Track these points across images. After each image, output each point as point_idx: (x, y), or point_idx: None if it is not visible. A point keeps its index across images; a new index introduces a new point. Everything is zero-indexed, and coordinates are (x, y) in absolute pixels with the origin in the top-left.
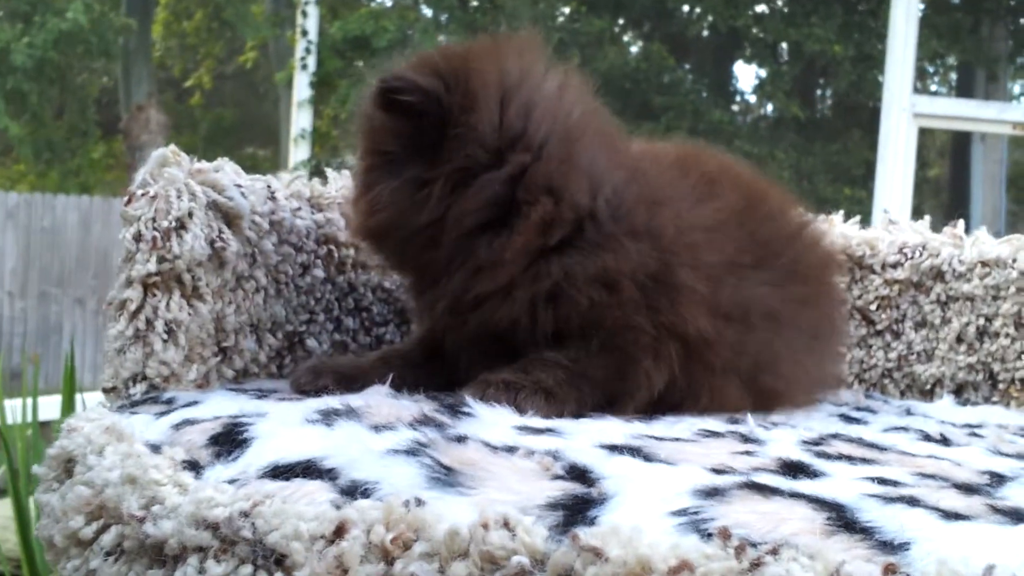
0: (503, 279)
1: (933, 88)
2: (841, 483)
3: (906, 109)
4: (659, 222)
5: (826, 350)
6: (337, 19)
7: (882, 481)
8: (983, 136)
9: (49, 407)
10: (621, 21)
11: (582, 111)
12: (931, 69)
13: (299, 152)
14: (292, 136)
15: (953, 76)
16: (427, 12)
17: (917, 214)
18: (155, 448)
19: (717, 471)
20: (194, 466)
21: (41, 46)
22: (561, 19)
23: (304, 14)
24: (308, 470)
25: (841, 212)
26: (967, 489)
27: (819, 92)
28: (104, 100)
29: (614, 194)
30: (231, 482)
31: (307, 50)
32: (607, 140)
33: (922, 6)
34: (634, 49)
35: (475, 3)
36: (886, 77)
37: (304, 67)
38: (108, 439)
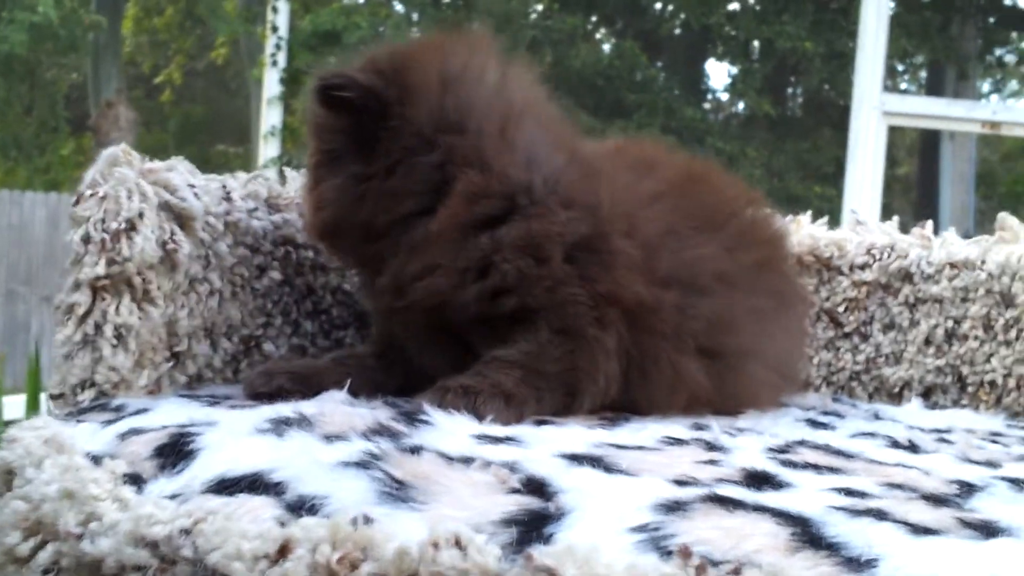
0: (433, 254)
1: (903, 86)
2: (807, 494)
3: (876, 107)
4: (593, 193)
5: (792, 316)
6: (309, 14)
7: (849, 492)
8: (952, 134)
9: (16, 406)
10: (594, 19)
11: (523, 99)
12: (901, 67)
13: (269, 149)
14: (262, 133)
15: (923, 74)
16: (399, 8)
17: (887, 212)
18: (97, 460)
19: (679, 482)
20: (136, 480)
21: (11, 40)
22: (534, 16)
23: (275, 10)
24: (254, 484)
25: (809, 212)
26: (936, 500)
27: (790, 90)
28: (73, 96)
29: (551, 172)
30: (174, 497)
31: (277, 46)
32: (548, 125)
33: (892, 4)
34: (607, 47)
35: (447, 0)
36: (856, 75)
37: (274, 63)
38: (48, 451)
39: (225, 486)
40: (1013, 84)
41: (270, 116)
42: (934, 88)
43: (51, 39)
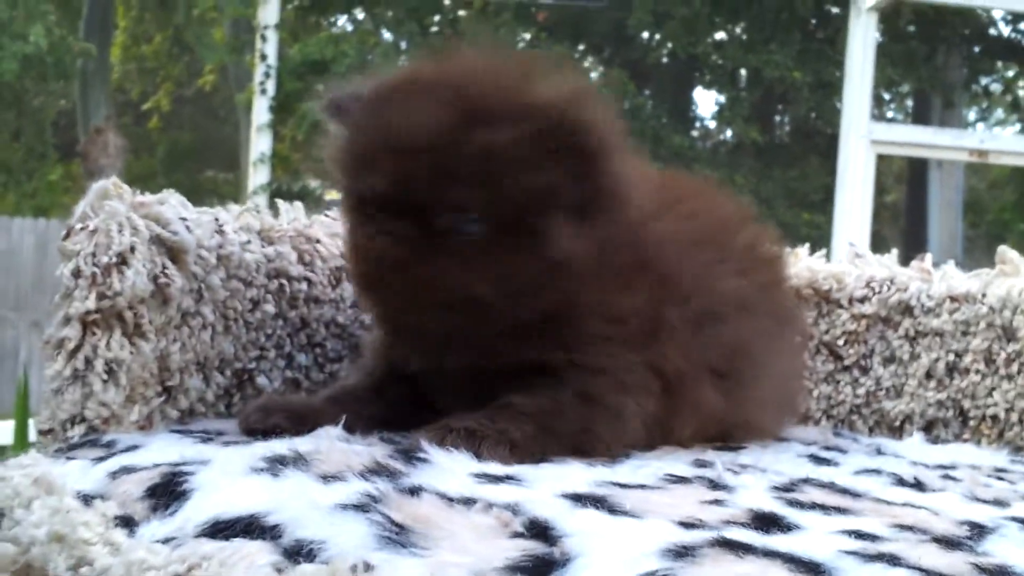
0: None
1: (890, 115)
2: (817, 538)
3: (864, 136)
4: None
5: (792, 336)
6: (298, 42)
7: (859, 535)
8: (940, 162)
9: (3, 432)
10: (582, 47)
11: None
12: (887, 96)
13: (259, 176)
14: (252, 160)
15: (909, 103)
16: (387, 36)
17: (875, 239)
18: (88, 500)
19: (686, 525)
20: (128, 522)
21: (1, 69)
22: (522, 44)
23: (263, 38)
24: (250, 527)
25: (807, 245)
26: (948, 543)
27: (777, 118)
28: (62, 123)
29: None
30: (167, 540)
31: (266, 74)
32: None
33: (878, 34)
34: (594, 75)
35: (435, 28)
36: (844, 105)
37: (263, 91)
38: (37, 491)
39: (220, 529)
40: (999, 113)
41: (259, 143)
42: (920, 117)
43: (40, 66)
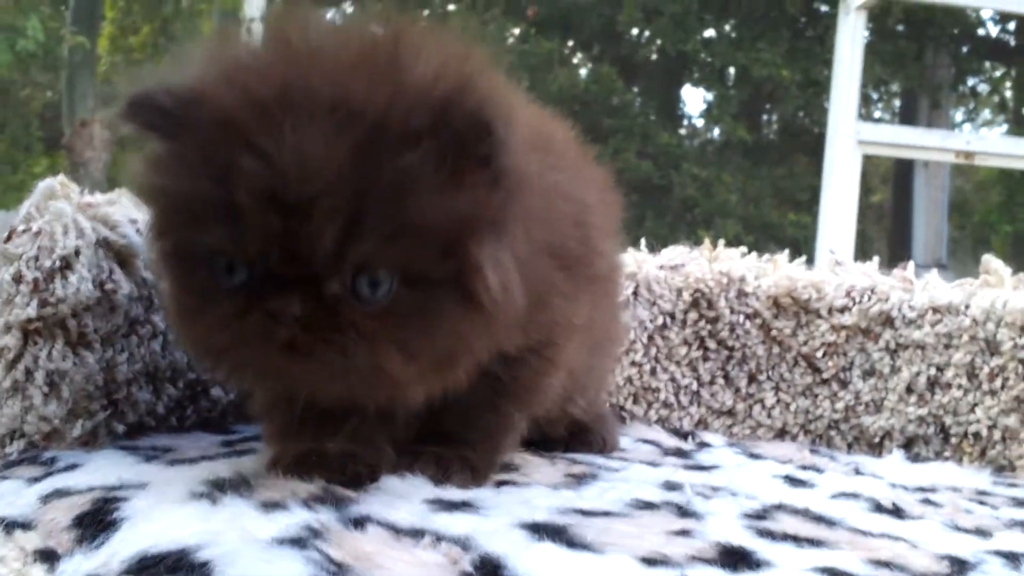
0: None
1: (877, 114)
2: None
3: (851, 136)
4: None
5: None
6: None
7: (834, 574)
8: (926, 163)
9: None
10: (571, 43)
11: None
12: (875, 95)
13: None
14: None
15: (897, 103)
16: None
17: (861, 239)
18: (10, 529)
19: (649, 561)
20: (49, 556)
21: (4, 65)
22: (511, 40)
23: (249, 32)
24: (178, 564)
25: (786, 252)
26: None
27: (765, 116)
28: (47, 115)
29: None
30: None
31: None
32: None
33: (867, 33)
34: (583, 72)
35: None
36: (831, 104)
37: None
38: None
39: (146, 566)
40: (986, 113)
41: None
42: (907, 117)
43: (32, 59)
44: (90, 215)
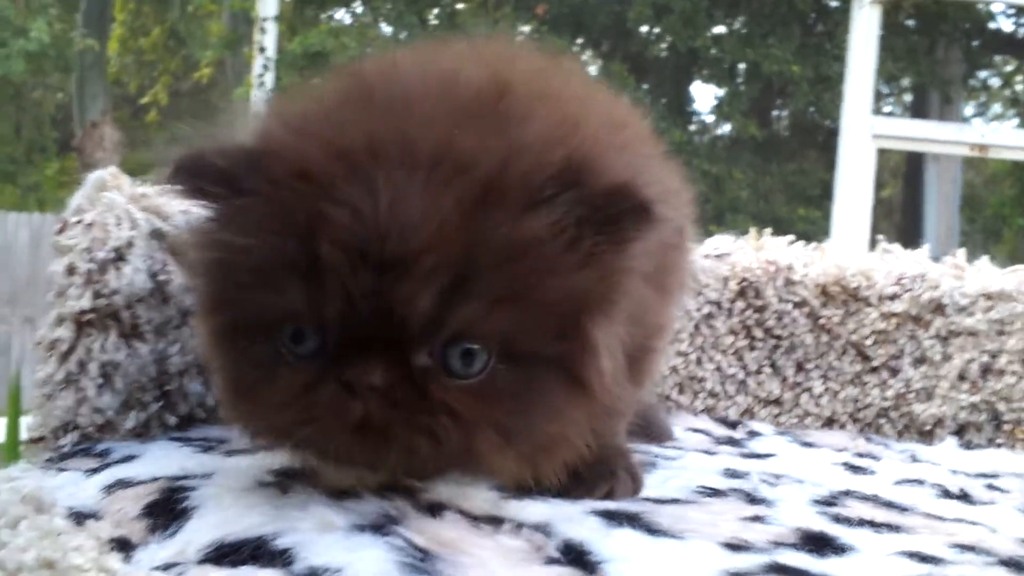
0: None
1: (888, 109)
2: (876, 561)
3: (866, 130)
4: None
5: None
6: (296, 35)
7: (921, 558)
8: (937, 157)
9: None
10: (581, 40)
11: None
12: (886, 90)
13: None
14: None
15: (907, 98)
16: (386, 29)
17: (872, 232)
18: (80, 519)
19: (733, 547)
20: (124, 545)
21: (11, 68)
22: (521, 38)
23: (263, 30)
24: (258, 552)
25: (831, 239)
26: (1017, 567)
27: (776, 112)
28: (58, 117)
29: None
30: (167, 567)
31: (265, 67)
32: None
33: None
34: (593, 68)
35: (434, 21)
36: (845, 99)
37: (261, 84)
38: (25, 510)
39: (225, 554)
40: (997, 107)
41: None
42: (919, 111)
43: (42, 61)
44: (143, 206)
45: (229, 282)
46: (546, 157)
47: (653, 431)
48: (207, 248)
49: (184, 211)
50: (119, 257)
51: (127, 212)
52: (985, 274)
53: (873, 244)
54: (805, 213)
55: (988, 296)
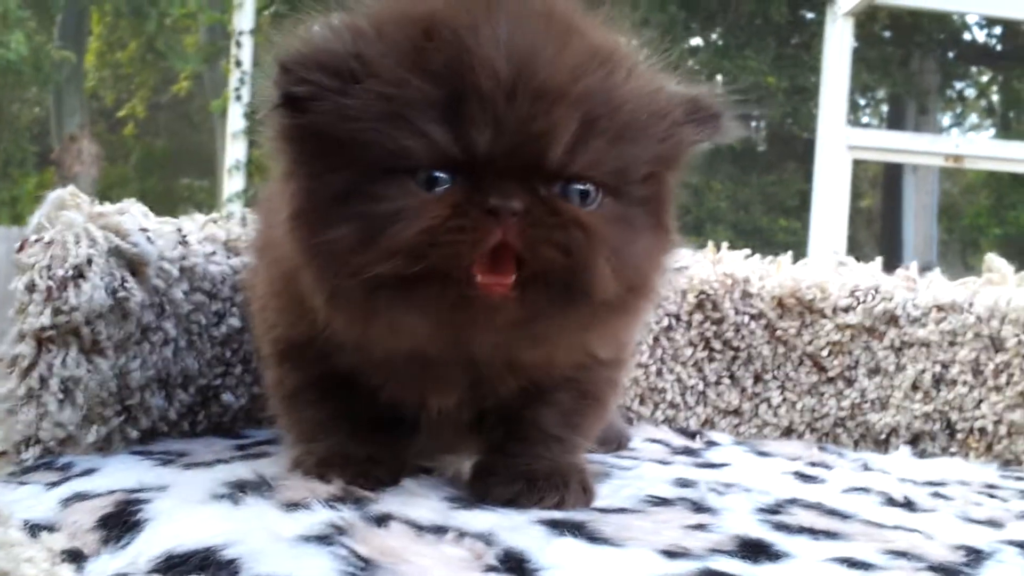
0: None
1: (865, 120)
2: (807, 566)
3: (841, 141)
4: None
5: None
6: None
7: (852, 564)
8: (915, 167)
9: None
10: None
11: None
12: (862, 101)
13: (234, 183)
14: (227, 167)
15: (884, 108)
16: None
17: (850, 243)
18: (35, 531)
19: (670, 554)
20: (76, 556)
21: None
22: None
23: (238, 44)
24: (206, 562)
25: (789, 253)
26: (945, 572)
27: (754, 124)
28: (36, 130)
29: None
30: None
31: (241, 80)
32: None
33: (854, 40)
34: None
35: None
36: (820, 110)
37: (238, 98)
38: None
39: (174, 564)
40: (973, 118)
41: (234, 150)
42: (895, 122)
43: (19, 74)
44: (101, 224)
45: (351, 144)
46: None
47: (611, 436)
48: (331, 116)
49: (143, 229)
50: (78, 274)
51: (86, 230)
52: (937, 286)
53: (853, 255)
54: (785, 223)
55: (940, 308)
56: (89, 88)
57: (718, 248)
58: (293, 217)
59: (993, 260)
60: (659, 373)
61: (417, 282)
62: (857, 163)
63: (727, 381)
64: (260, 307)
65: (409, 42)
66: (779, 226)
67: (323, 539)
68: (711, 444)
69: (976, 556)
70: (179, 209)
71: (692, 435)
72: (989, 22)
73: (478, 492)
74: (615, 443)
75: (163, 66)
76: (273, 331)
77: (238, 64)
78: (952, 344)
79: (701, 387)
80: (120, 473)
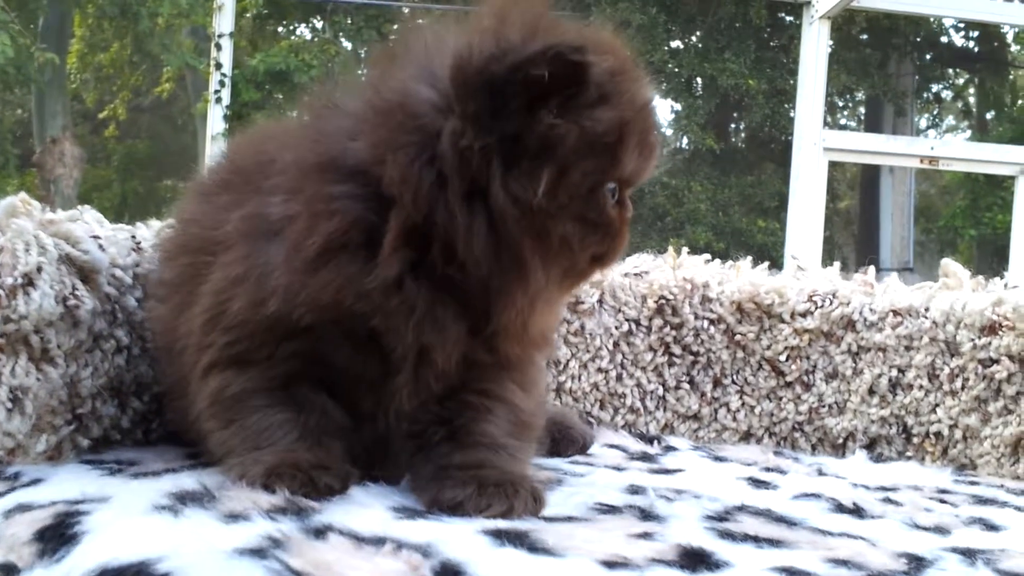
0: None
1: (842, 121)
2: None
3: (816, 143)
4: None
5: None
6: (257, 51)
7: (792, 573)
8: (892, 169)
9: None
10: None
11: None
12: (840, 103)
13: None
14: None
15: (862, 110)
16: (347, 45)
17: (828, 244)
18: None
19: (609, 564)
20: (10, 570)
21: None
22: None
23: (218, 47)
24: None
25: (748, 259)
26: None
27: (733, 126)
28: (18, 133)
29: None
30: None
31: (221, 83)
32: None
33: (831, 42)
34: None
35: (393, 36)
36: (797, 112)
37: (218, 100)
38: None
39: None
40: (950, 119)
41: (215, 152)
42: (872, 124)
43: (3, 76)
44: (52, 232)
45: (584, 153)
46: None
47: (574, 439)
48: (580, 119)
49: (94, 236)
50: (28, 282)
51: (36, 238)
52: (893, 291)
53: (831, 256)
54: (764, 224)
55: (896, 312)
56: (71, 90)
57: (678, 253)
58: None
59: (949, 265)
60: (619, 378)
61: None
62: (834, 165)
63: (687, 386)
64: (206, 307)
65: (611, 73)
66: (758, 227)
67: (258, 552)
68: (669, 449)
69: (918, 564)
70: (162, 211)
71: (651, 440)
72: (966, 25)
73: (426, 498)
74: (579, 445)
75: (145, 68)
76: (225, 332)
77: (218, 67)
78: (908, 349)
79: (661, 392)
80: (66, 483)
